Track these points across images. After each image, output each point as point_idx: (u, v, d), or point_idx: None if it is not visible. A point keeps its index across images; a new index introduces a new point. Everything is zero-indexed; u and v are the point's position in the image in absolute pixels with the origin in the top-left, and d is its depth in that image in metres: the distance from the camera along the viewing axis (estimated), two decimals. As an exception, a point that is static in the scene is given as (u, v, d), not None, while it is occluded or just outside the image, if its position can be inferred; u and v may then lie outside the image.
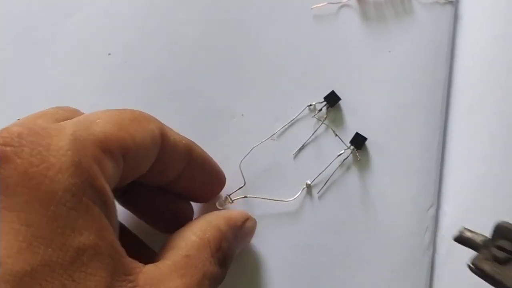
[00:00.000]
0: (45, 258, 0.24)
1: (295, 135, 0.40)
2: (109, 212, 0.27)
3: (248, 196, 0.39)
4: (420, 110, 0.40)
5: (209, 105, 0.41)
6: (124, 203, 0.35)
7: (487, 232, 0.29)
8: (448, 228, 0.39)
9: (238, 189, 0.39)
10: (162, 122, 0.33)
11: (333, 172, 0.40)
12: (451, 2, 0.42)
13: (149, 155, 0.31)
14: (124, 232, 0.33)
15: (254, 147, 0.39)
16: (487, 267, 0.28)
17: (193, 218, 0.37)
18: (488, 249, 0.28)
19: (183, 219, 0.36)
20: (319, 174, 0.40)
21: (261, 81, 0.41)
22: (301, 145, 0.40)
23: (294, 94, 0.41)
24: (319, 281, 0.38)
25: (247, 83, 0.41)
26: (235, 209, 0.38)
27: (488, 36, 0.41)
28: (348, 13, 0.42)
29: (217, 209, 0.38)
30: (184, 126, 0.40)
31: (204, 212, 0.38)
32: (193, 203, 0.38)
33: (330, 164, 0.40)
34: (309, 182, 0.39)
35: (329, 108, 0.40)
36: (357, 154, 0.40)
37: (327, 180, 0.39)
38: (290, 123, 0.40)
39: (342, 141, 0.40)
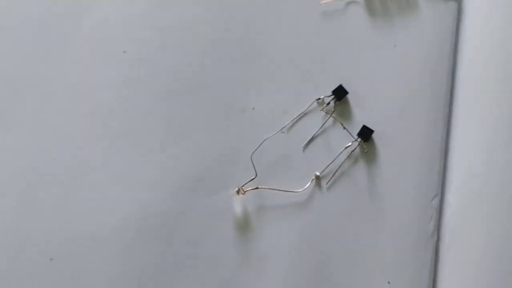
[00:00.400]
0: None
1: (304, 128, 0.42)
2: None
3: (259, 187, 0.40)
4: (424, 103, 0.42)
5: (221, 100, 0.42)
6: None
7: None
8: (452, 217, 0.41)
9: (250, 181, 0.40)
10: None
11: (341, 164, 0.41)
12: (455, -2, 0.43)
13: None
14: None
15: (265, 140, 0.41)
16: None
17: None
18: None
19: None
20: (328, 166, 0.41)
21: (271, 76, 0.42)
22: (310, 137, 0.41)
23: (303, 88, 0.42)
24: (327, 269, 0.40)
25: (257, 78, 0.42)
26: None
27: (491, 30, 0.42)
28: (355, 9, 0.43)
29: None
30: (198, 120, 0.41)
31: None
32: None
33: (338, 156, 0.41)
34: (318, 174, 0.41)
35: (337, 102, 0.42)
36: (364, 146, 0.41)
37: (335, 172, 0.41)
38: (299, 117, 0.42)
39: (350, 134, 0.41)
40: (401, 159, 0.41)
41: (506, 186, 0.40)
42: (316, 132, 0.42)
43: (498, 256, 0.39)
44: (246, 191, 0.40)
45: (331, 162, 0.41)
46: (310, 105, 0.42)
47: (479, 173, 0.41)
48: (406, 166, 0.41)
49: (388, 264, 0.40)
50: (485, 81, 0.42)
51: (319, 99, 0.42)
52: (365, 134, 0.41)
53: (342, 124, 0.41)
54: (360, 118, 0.42)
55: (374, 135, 0.41)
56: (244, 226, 0.40)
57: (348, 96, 0.42)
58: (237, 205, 0.40)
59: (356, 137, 0.41)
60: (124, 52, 0.42)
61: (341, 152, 0.41)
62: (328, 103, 0.42)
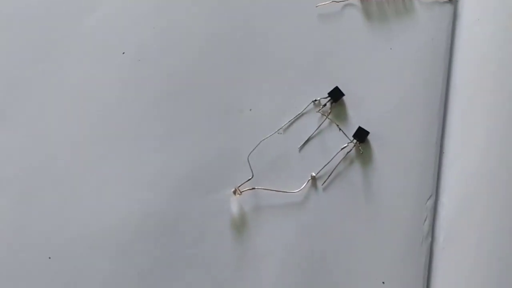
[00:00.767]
0: None
1: (300, 129, 0.42)
2: None
3: (256, 187, 0.41)
4: (419, 105, 0.42)
5: (219, 101, 0.42)
6: None
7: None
8: (446, 218, 0.41)
9: (247, 181, 0.41)
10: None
11: (337, 165, 0.41)
12: (450, 1, 0.43)
13: None
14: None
15: (261, 141, 0.41)
16: None
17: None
18: None
19: None
20: (324, 167, 0.41)
21: (268, 78, 0.43)
22: (306, 139, 0.42)
23: (299, 90, 0.42)
24: (323, 268, 0.40)
25: (255, 80, 0.43)
26: None
27: (486, 34, 0.43)
28: (352, 12, 0.43)
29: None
30: (195, 121, 0.42)
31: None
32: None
33: (334, 157, 0.41)
34: (314, 174, 0.41)
35: (333, 103, 0.42)
36: (360, 147, 0.41)
37: (331, 172, 0.41)
38: (296, 118, 0.42)
39: (346, 135, 0.42)
40: (396, 160, 0.41)
41: (500, 188, 0.40)
42: (313, 133, 0.42)
43: (492, 256, 0.40)
44: (243, 191, 0.40)
45: (327, 163, 0.41)
46: (306, 107, 0.42)
47: (474, 174, 0.41)
48: (401, 167, 0.41)
49: (383, 265, 0.40)
50: (479, 83, 0.42)
51: (315, 100, 0.42)
52: (361, 135, 0.41)
53: (338, 126, 0.42)
54: (356, 120, 0.42)
55: (369, 137, 0.42)
56: (240, 226, 0.40)
57: (344, 97, 0.42)
58: (234, 205, 0.41)
59: (352, 138, 0.41)
60: (123, 53, 0.43)
61: (337, 153, 0.41)
62: (325, 105, 0.42)
